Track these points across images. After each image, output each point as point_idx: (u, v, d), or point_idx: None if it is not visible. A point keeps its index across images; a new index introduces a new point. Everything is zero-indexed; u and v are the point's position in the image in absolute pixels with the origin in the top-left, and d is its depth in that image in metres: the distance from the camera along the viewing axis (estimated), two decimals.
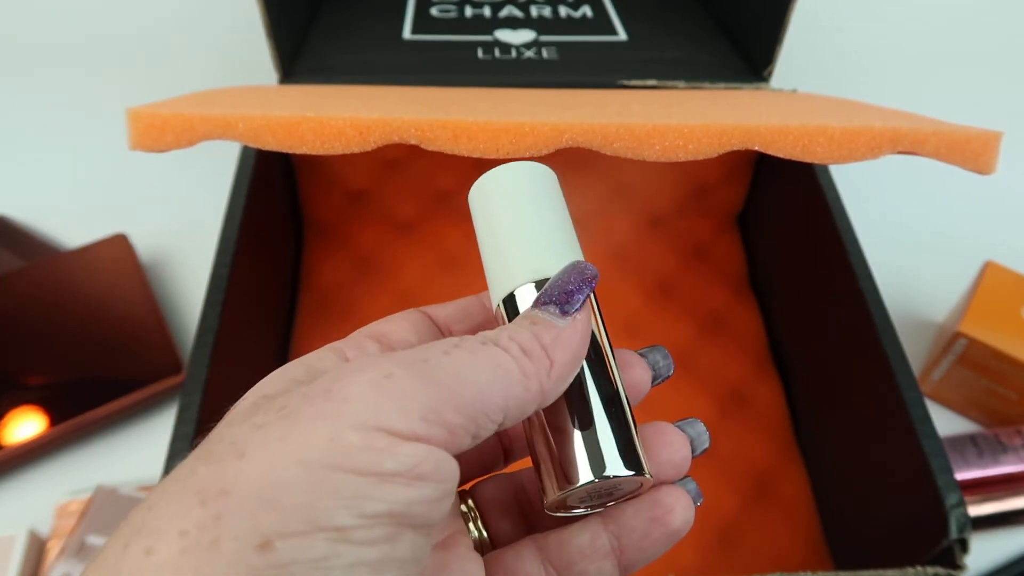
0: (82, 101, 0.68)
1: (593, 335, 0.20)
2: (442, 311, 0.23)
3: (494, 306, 0.21)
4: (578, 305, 0.19)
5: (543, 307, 0.19)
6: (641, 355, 0.22)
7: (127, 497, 0.44)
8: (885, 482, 0.39)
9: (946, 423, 0.50)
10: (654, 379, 0.22)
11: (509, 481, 0.23)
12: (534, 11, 0.57)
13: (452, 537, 0.20)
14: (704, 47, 0.55)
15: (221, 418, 0.18)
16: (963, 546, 0.32)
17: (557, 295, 0.19)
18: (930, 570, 0.32)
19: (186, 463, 0.16)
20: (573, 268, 0.20)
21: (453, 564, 0.19)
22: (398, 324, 0.21)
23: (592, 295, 0.21)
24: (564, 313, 0.19)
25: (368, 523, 0.15)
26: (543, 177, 0.22)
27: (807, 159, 0.32)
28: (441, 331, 0.22)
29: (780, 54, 0.49)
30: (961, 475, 0.45)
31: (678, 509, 0.20)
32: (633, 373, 0.22)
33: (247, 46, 0.62)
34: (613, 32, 0.56)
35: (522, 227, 0.21)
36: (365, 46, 0.54)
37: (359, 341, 0.20)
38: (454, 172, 0.55)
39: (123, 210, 0.59)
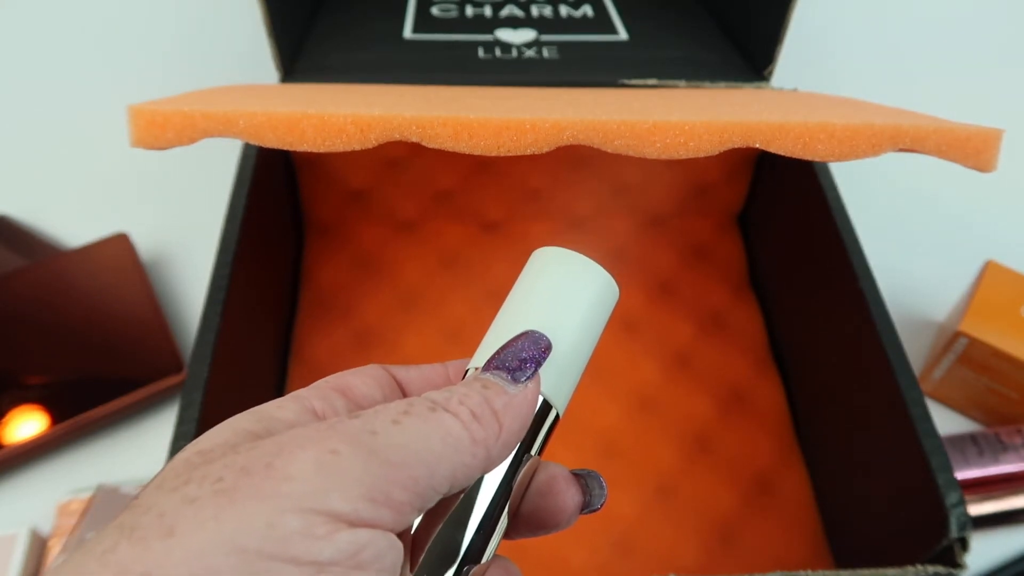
0: (83, 100, 0.68)
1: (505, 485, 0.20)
2: (404, 373, 0.22)
3: (472, 368, 0.21)
4: (529, 373, 0.19)
5: (494, 372, 0.19)
6: (577, 476, 0.22)
7: (128, 496, 0.44)
8: (885, 481, 0.39)
9: (946, 422, 0.50)
10: (584, 507, 0.21)
11: None
12: (535, 10, 0.57)
13: None
14: (705, 46, 0.55)
15: (222, 419, 0.17)
16: (963, 545, 0.32)
17: (510, 361, 0.19)
18: (930, 569, 0.31)
19: (108, 534, 0.15)
20: (528, 336, 0.20)
21: None
22: (363, 379, 0.21)
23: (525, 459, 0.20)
24: (515, 380, 0.19)
25: None
26: (606, 294, 0.22)
27: (808, 156, 0.32)
28: (404, 394, 0.22)
29: (781, 53, 0.49)
30: (961, 474, 0.45)
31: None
32: (562, 499, 0.21)
33: (248, 45, 0.62)
34: (614, 31, 0.56)
35: (557, 324, 0.21)
36: (366, 45, 0.54)
37: (325, 392, 0.20)
38: (455, 171, 0.55)
39: (124, 209, 0.59)
